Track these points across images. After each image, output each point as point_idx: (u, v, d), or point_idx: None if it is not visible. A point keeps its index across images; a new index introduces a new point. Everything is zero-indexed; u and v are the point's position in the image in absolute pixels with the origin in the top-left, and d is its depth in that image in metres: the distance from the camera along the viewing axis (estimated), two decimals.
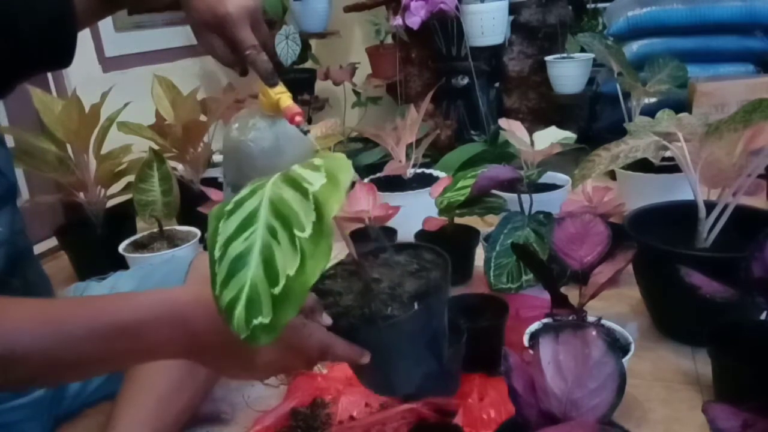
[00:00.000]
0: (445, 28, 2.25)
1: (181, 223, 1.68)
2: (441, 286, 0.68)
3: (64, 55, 0.81)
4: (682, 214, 1.12)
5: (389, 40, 2.53)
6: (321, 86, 2.65)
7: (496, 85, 2.37)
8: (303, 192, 0.52)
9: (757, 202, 1.63)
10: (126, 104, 1.63)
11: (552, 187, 1.56)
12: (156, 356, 0.64)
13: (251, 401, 1.08)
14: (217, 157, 2.04)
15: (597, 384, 0.64)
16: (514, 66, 2.29)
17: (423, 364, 0.70)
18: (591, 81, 2.17)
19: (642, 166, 1.46)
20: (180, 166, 1.85)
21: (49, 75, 1.92)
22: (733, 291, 0.87)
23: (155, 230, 1.60)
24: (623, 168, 1.51)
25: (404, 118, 1.72)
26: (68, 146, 1.60)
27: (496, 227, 1.23)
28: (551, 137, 1.46)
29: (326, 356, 0.63)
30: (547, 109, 2.28)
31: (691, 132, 1.10)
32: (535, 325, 1.01)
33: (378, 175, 1.78)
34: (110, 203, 1.70)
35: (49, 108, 1.56)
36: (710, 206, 1.08)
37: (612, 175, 1.85)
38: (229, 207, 0.55)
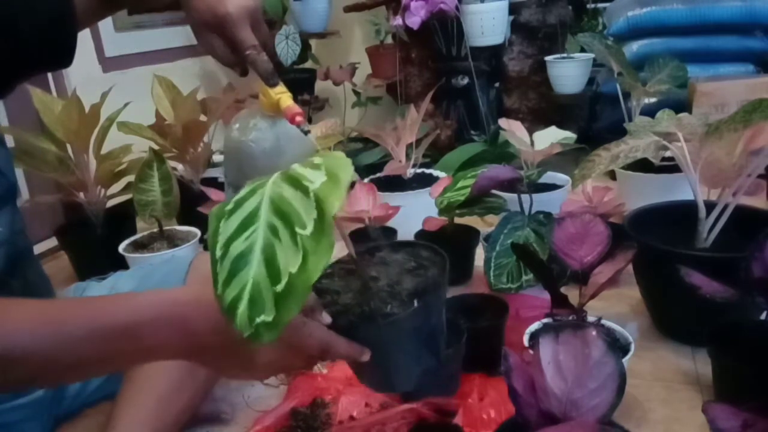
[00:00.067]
0: (445, 28, 2.25)
1: (181, 223, 1.68)
2: (439, 283, 0.68)
3: (64, 55, 0.81)
4: (682, 214, 1.12)
5: (389, 40, 2.53)
6: (321, 86, 2.65)
7: (496, 85, 2.38)
8: (304, 190, 0.52)
9: (757, 202, 1.63)
10: (126, 104, 1.63)
11: (552, 187, 1.56)
12: (155, 357, 0.64)
13: (251, 401, 1.08)
14: (217, 157, 2.04)
15: (597, 384, 0.64)
16: (514, 66, 2.29)
17: (422, 360, 0.70)
18: (591, 81, 2.17)
19: (642, 166, 1.46)
20: (180, 166, 1.85)
21: (49, 75, 1.92)
22: (733, 291, 0.87)
23: (155, 230, 1.60)
24: (623, 168, 1.51)
25: (404, 118, 1.72)
26: (68, 146, 1.60)
27: (496, 227, 1.23)
28: (551, 137, 1.46)
29: (327, 354, 0.63)
30: (547, 109, 2.28)
31: (691, 132, 1.10)
32: (535, 325, 1.01)
33: (378, 175, 1.78)
34: (110, 203, 1.70)
35: (49, 108, 1.56)
36: (710, 206, 1.08)
37: (612, 175, 1.85)
38: (229, 207, 0.55)
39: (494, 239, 1.21)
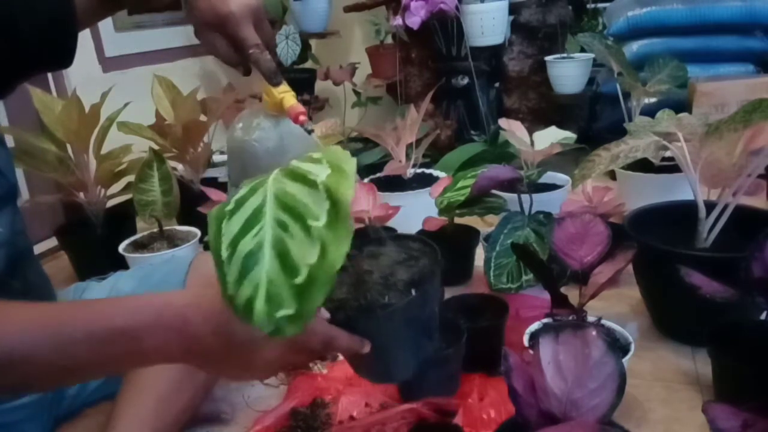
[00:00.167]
0: (445, 28, 2.25)
1: (181, 223, 1.68)
2: (434, 271, 0.69)
3: (64, 56, 0.81)
4: (682, 214, 1.12)
5: (389, 40, 2.53)
6: (321, 86, 2.65)
7: (496, 85, 2.37)
8: (310, 183, 0.52)
9: (757, 202, 1.63)
10: (126, 104, 1.63)
11: (552, 187, 1.56)
12: (153, 360, 0.63)
13: (251, 401, 1.08)
14: (217, 157, 2.04)
15: (597, 384, 0.64)
16: (514, 66, 2.29)
17: (420, 349, 0.71)
18: (591, 81, 2.17)
19: (642, 166, 1.46)
20: (180, 166, 1.85)
21: (49, 75, 1.93)
22: (733, 291, 0.87)
23: (155, 230, 1.60)
24: (623, 168, 1.51)
25: (404, 118, 1.72)
26: (68, 146, 1.60)
27: (496, 227, 1.23)
28: (551, 137, 1.46)
29: (329, 348, 0.63)
30: (547, 109, 2.28)
31: (691, 132, 1.10)
32: (535, 325, 1.01)
33: (378, 175, 1.78)
34: (110, 203, 1.70)
35: (49, 108, 1.56)
36: (710, 206, 1.08)
37: (612, 175, 1.85)
38: (229, 207, 0.55)
39: (494, 239, 1.21)
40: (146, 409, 0.89)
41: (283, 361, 0.64)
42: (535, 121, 2.23)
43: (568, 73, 2.14)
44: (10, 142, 1.57)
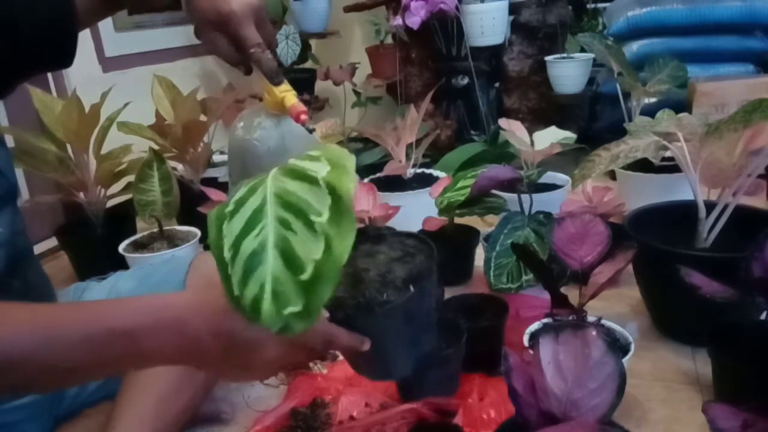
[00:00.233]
0: (445, 28, 2.25)
1: (181, 223, 1.68)
2: (431, 267, 0.69)
3: (64, 56, 0.81)
4: (682, 214, 1.12)
5: (389, 40, 2.53)
6: (321, 86, 2.65)
7: (496, 85, 2.37)
8: (311, 180, 0.53)
9: (757, 202, 1.63)
10: (126, 104, 1.63)
11: (552, 187, 1.56)
12: (153, 362, 0.63)
13: (251, 401, 1.08)
14: (217, 157, 2.04)
15: (597, 384, 0.64)
16: (514, 66, 2.29)
17: (419, 345, 0.71)
18: (591, 81, 2.17)
19: (642, 166, 1.46)
20: (180, 166, 1.85)
21: (49, 75, 1.93)
22: (733, 291, 0.87)
23: (155, 230, 1.60)
24: (623, 168, 1.51)
25: (404, 118, 1.72)
26: (68, 146, 1.60)
27: (496, 227, 1.23)
28: (551, 137, 1.46)
29: (330, 347, 0.63)
30: (547, 109, 2.28)
31: (691, 132, 1.10)
32: (535, 325, 1.01)
33: (378, 175, 1.78)
34: (110, 203, 1.70)
35: (49, 108, 1.56)
36: (710, 206, 1.08)
37: (612, 175, 1.85)
38: (229, 208, 0.55)
39: (494, 239, 1.21)
40: (146, 409, 0.89)
41: (284, 361, 0.64)
42: (535, 121, 2.23)
43: (568, 73, 2.14)
44: (10, 142, 1.57)
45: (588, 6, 2.31)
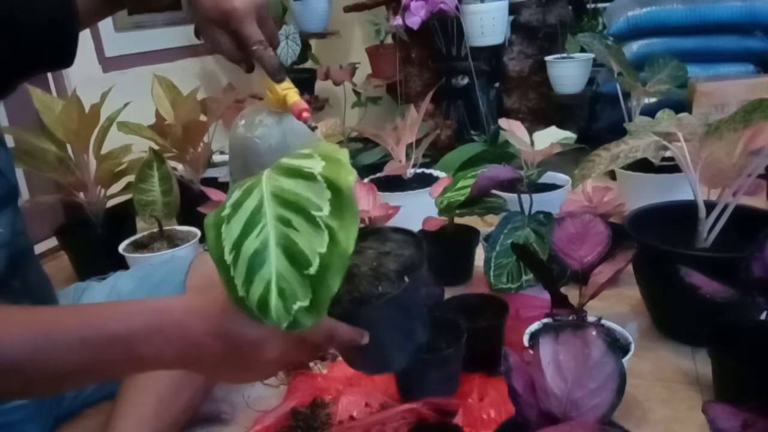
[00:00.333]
0: (445, 28, 2.25)
1: (181, 223, 1.68)
2: (422, 258, 0.69)
3: (64, 56, 0.81)
4: (682, 214, 1.12)
5: (389, 40, 2.53)
6: (321, 86, 2.65)
7: (496, 85, 2.37)
8: (307, 176, 0.54)
9: (757, 202, 1.63)
10: (126, 104, 1.63)
11: (552, 187, 1.56)
12: (151, 367, 0.62)
13: (251, 401, 1.08)
14: (217, 157, 2.04)
15: (597, 384, 0.64)
16: (514, 66, 2.29)
17: (414, 336, 0.71)
18: (591, 81, 2.17)
19: (642, 166, 1.46)
20: (180, 166, 1.85)
21: (49, 75, 1.93)
22: (733, 291, 0.87)
23: (155, 230, 1.60)
24: (623, 168, 1.51)
25: (404, 118, 1.72)
26: (68, 146, 1.60)
27: (496, 227, 1.23)
28: (551, 137, 1.46)
29: (332, 341, 0.63)
30: (547, 109, 2.28)
31: (691, 132, 1.10)
32: (535, 325, 1.01)
33: (378, 175, 1.78)
34: (110, 203, 1.70)
35: (49, 108, 1.56)
36: (710, 206, 1.08)
37: (612, 175, 1.85)
38: (226, 212, 0.55)
39: (494, 239, 1.21)
40: (146, 409, 0.89)
41: (286, 359, 0.63)
42: (535, 121, 2.23)
43: (568, 73, 2.14)
44: (10, 142, 1.57)
45: (588, 6, 2.31)
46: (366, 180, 1.74)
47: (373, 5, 2.40)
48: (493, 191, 1.30)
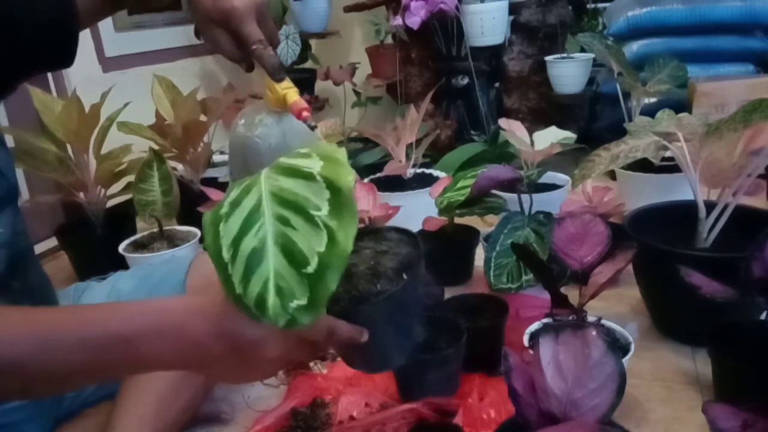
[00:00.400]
0: (445, 28, 2.25)
1: (181, 223, 1.68)
2: (419, 255, 0.70)
3: (64, 56, 0.81)
4: (682, 214, 1.12)
5: (389, 40, 2.53)
6: (321, 86, 2.65)
7: (496, 85, 2.38)
8: (306, 176, 0.54)
9: (757, 202, 1.63)
10: (126, 104, 1.63)
11: (552, 187, 1.57)
12: (150, 368, 0.62)
13: (251, 401, 1.08)
14: (217, 157, 2.04)
15: (597, 384, 0.64)
16: (514, 66, 2.29)
17: (412, 333, 0.71)
18: (591, 81, 2.17)
19: (642, 166, 1.46)
20: (180, 166, 1.85)
21: (49, 75, 1.93)
22: (733, 291, 0.87)
23: (155, 230, 1.60)
24: (623, 168, 1.51)
25: (404, 118, 1.72)
26: (68, 146, 1.60)
27: (496, 227, 1.23)
28: (551, 137, 1.46)
29: (333, 338, 0.63)
30: (547, 109, 2.28)
31: (691, 132, 1.10)
32: (535, 325, 1.01)
33: (378, 175, 1.78)
34: (110, 203, 1.70)
35: (49, 108, 1.56)
36: (710, 206, 1.08)
37: (612, 175, 1.85)
38: (224, 210, 0.56)
39: (494, 239, 1.21)
40: (146, 409, 0.89)
41: (287, 358, 0.63)
42: (535, 121, 2.23)
43: (568, 73, 2.14)
44: (10, 142, 1.57)
45: (588, 6, 2.31)
46: (366, 180, 1.74)
47: (373, 5, 2.40)
48: (493, 191, 1.30)
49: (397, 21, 2.18)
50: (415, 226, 1.41)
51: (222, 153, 2.08)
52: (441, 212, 1.34)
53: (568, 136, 1.49)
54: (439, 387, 0.98)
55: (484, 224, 1.54)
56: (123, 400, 0.91)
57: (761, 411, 0.66)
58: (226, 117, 2.07)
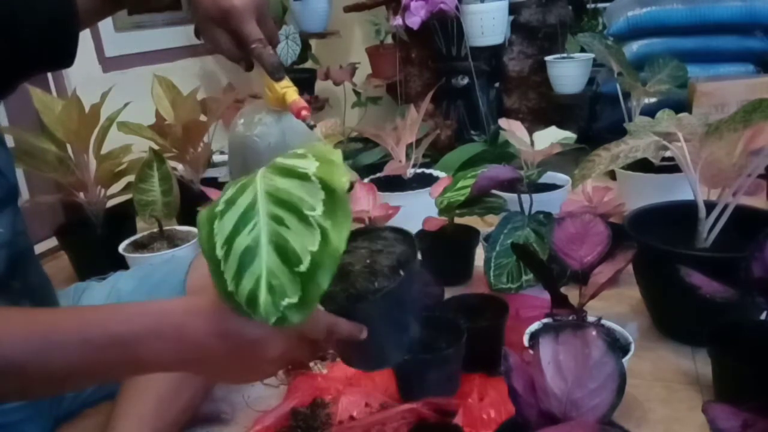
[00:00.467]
0: (445, 28, 2.25)
1: (181, 223, 1.68)
2: (414, 253, 0.70)
3: (65, 56, 0.81)
4: (682, 214, 1.12)
5: (389, 40, 2.53)
6: (321, 86, 2.65)
7: (496, 85, 2.37)
8: (301, 176, 0.54)
9: (757, 202, 1.63)
10: (126, 104, 1.63)
11: (552, 187, 1.57)
12: (150, 370, 0.62)
13: (251, 401, 1.08)
14: (217, 157, 2.04)
15: (597, 384, 0.64)
16: (514, 66, 2.29)
17: (410, 329, 0.71)
18: (591, 81, 2.17)
19: (642, 166, 1.46)
20: (180, 166, 1.85)
21: (49, 75, 1.93)
22: (733, 291, 0.87)
23: (155, 230, 1.60)
24: (623, 168, 1.51)
25: (404, 118, 1.72)
26: (68, 146, 1.60)
27: (496, 227, 1.23)
28: (551, 137, 1.46)
29: (332, 335, 0.63)
30: (547, 109, 2.28)
31: (691, 132, 1.10)
32: (535, 325, 1.01)
33: (378, 175, 1.78)
34: (110, 203, 1.70)
35: (49, 108, 1.56)
36: (710, 206, 1.08)
37: (612, 175, 1.85)
38: (219, 207, 0.56)
39: (494, 239, 1.21)
40: (146, 409, 0.89)
41: (287, 358, 0.63)
42: (535, 121, 2.23)
43: (568, 73, 2.14)
44: (10, 142, 1.57)
45: (588, 6, 2.31)
46: (366, 180, 1.74)
47: (373, 5, 2.40)
48: (493, 191, 1.30)
49: (397, 21, 2.18)
50: (415, 226, 1.41)
51: (222, 153, 2.08)
52: (441, 212, 1.34)
53: (568, 136, 1.49)
54: (439, 387, 0.98)
55: (484, 224, 1.54)
56: (123, 400, 0.91)
57: (761, 411, 0.66)
58: (226, 117, 2.07)
